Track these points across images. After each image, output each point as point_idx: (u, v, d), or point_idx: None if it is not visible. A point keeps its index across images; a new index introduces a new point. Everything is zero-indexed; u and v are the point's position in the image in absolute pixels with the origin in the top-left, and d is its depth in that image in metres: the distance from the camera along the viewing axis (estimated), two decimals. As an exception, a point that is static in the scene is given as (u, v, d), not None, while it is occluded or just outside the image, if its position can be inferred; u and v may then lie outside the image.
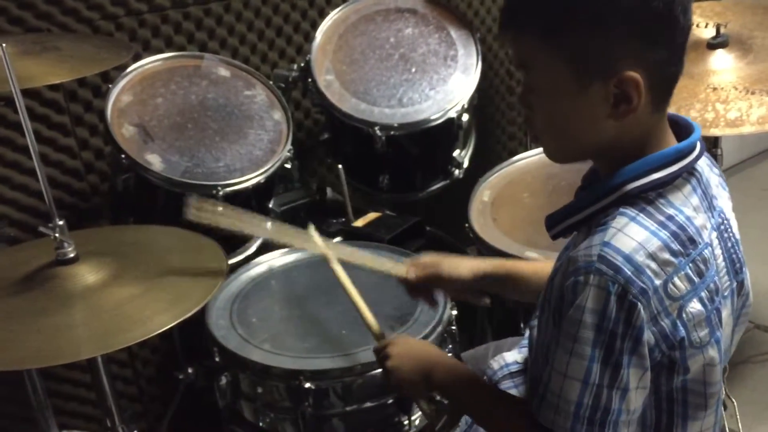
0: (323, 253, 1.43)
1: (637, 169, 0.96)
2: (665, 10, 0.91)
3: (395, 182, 2.11)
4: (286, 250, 1.78)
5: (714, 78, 1.98)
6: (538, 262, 1.34)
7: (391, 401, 1.44)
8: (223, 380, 1.50)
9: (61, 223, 1.22)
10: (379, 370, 1.37)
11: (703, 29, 2.13)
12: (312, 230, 1.49)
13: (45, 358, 1.08)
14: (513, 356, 1.37)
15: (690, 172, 1.00)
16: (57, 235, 1.20)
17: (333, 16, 2.12)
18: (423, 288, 1.39)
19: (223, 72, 1.94)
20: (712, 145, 2.15)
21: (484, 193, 2.06)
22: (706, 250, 0.97)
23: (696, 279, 0.95)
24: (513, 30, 0.97)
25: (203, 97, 1.87)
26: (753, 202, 3.54)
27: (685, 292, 0.94)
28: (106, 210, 1.98)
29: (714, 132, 1.86)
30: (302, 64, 2.11)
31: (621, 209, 0.95)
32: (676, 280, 0.93)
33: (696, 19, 2.19)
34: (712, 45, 2.03)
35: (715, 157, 2.19)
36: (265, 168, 1.81)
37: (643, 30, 0.91)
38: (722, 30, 2.05)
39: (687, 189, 0.99)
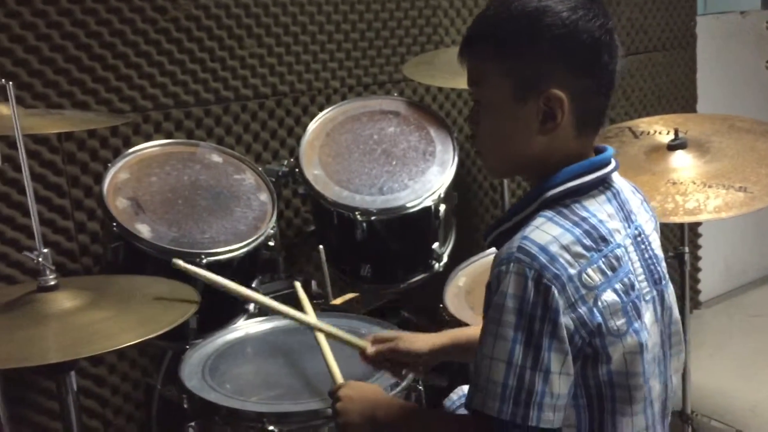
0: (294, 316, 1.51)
1: (555, 179, 1.11)
2: (591, 44, 1.09)
3: (377, 273, 2.19)
4: (264, 318, 1.86)
5: (674, 174, 2.11)
6: None
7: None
8: (191, 432, 1.52)
9: (45, 250, 1.31)
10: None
11: (664, 135, 2.30)
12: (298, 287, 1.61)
13: (14, 360, 1.13)
14: (471, 388, 1.41)
15: (606, 186, 1.14)
16: (40, 259, 1.28)
17: (322, 116, 2.30)
18: (382, 361, 1.47)
19: (216, 158, 2.10)
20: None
21: (460, 279, 2.15)
22: (618, 249, 1.10)
23: (609, 272, 1.07)
24: (467, 53, 1.15)
25: (195, 178, 2.01)
26: (741, 327, 3.60)
27: (599, 282, 1.06)
28: (94, 273, 2.07)
29: (673, 219, 1.97)
30: (292, 160, 2.26)
31: (540, 212, 1.09)
32: (589, 271, 1.05)
33: (658, 128, 2.37)
34: (672, 146, 2.19)
35: (682, 256, 2.29)
36: (248, 241, 1.91)
37: (570, 57, 1.08)
38: (681, 134, 2.21)
39: (602, 198, 1.13)
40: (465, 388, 1.45)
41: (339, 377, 1.40)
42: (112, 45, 2.13)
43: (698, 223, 3.51)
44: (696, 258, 3.63)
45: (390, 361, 1.47)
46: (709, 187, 2.03)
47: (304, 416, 1.44)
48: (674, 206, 1.99)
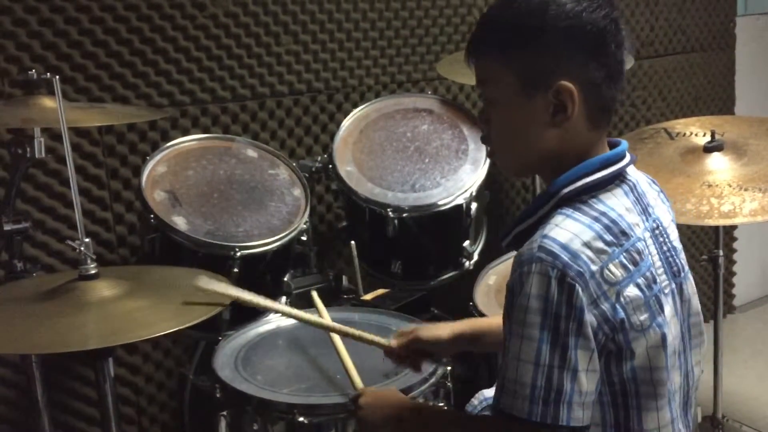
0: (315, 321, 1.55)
1: (570, 176, 1.11)
2: (597, 34, 1.09)
3: (407, 269, 2.21)
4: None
5: (709, 177, 2.10)
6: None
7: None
8: (222, 422, 1.55)
9: (87, 240, 1.35)
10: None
11: (701, 137, 2.28)
12: (314, 295, 1.62)
13: (53, 346, 1.17)
14: (491, 392, 1.42)
15: (622, 180, 1.14)
16: (82, 248, 1.32)
17: (356, 113, 2.32)
18: (406, 355, 1.48)
19: (251, 153, 2.13)
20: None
21: (491, 277, 2.16)
22: (639, 243, 1.09)
23: (631, 267, 1.07)
24: (474, 54, 1.15)
25: (231, 173, 2.05)
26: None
27: (621, 278, 1.05)
28: (131, 263, 2.12)
29: (708, 222, 1.95)
30: (325, 156, 2.29)
31: (558, 210, 1.09)
32: (611, 266, 1.05)
33: (694, 129, 2.35)
34: (708, 149, 2.17)
35: (716, 260, 2.28)
36: (282, 235, 1.94)
37: (576, 48, 1.08)
38: (717, 136, 2.19)
39: (619, 192, 1.12)
40: (486, 392, 1.46)
41: (359, 383, 1.40)
42: (152, 41, 2.17)
43: (734, 227, 3.46)
44: (731, 262, 3.58)
45: (412, 354, 1.47)
46: (745, 190, 2.01)
47: (334, 408, 1.46)
48: (709, 209, 1.97)
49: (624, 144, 1.16)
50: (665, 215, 1.20)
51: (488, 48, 1.13)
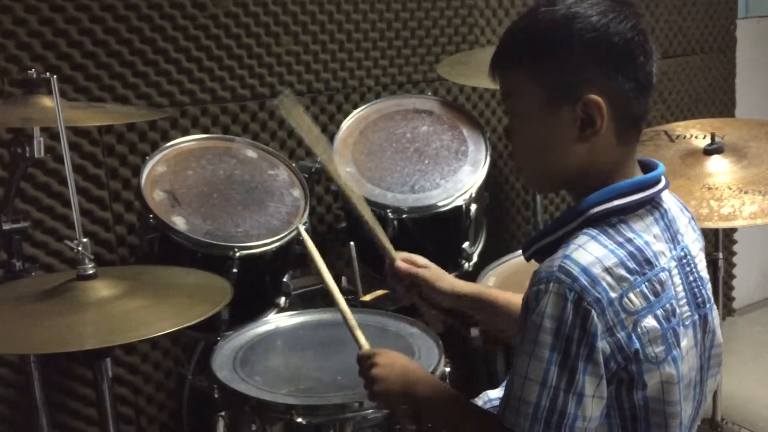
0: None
1: (601, 196, 1.08)
2: (624, 45, 1.07)
3: (407, 271, 2.20)
4: (294, 312, 1.88)
5: (710, 179, 2.10)
6: (513, 295, 1.41)
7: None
8: (220, 422, 1.55)
9: (85, 240, 1.34)
10: (369, 411, 1.45)
11: (701, 139, 2.28)
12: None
13: (51, 345, 1.17)
14: (496, 393, 1.42)
15: (654, 206, 1.11)
16: (80, 248, 1.32)
17: (356, 114, 2.32)
18: (400, 281, 1.47)
19: (251, 153, 2.13)
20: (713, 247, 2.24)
21: (490, 279, 2.16)
22: (662, 273, 1.06)
23: (651, 297, 1.04)
24: (500, 66, 1.13)
25: (230, 173, 2.04)
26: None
27: (640, 307, 1.03)
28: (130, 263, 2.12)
29: (708, 225, 1.95)
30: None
31: (584, 230, 1.06)
32: (631, 295, 1.03)
33: (694, 132, 2.35)
34: (708, 151, 2.17)
35: (716, 262, 2.27)
36: (281, 236, 1.93)
37: (604, 60, 1.06)
38: (718, 139, 2.19)
39: (649, 219, 1.10)
40: (490, 393, 1.45)
41: (365, 343, 1.37)
42: (152, 40, 2.17)
43: (733, 229, 3.46)
44: (731, 264, 3.58)
45: (408, 285, 1.46)
46: (745, 192, 2.01)
47: (332, 409, 1.46)
48: (709, 211, 1.97)
49: (661, 167, 1.14)
50: (695, 244, 1.18)
51: (513, 60, 1.11)
